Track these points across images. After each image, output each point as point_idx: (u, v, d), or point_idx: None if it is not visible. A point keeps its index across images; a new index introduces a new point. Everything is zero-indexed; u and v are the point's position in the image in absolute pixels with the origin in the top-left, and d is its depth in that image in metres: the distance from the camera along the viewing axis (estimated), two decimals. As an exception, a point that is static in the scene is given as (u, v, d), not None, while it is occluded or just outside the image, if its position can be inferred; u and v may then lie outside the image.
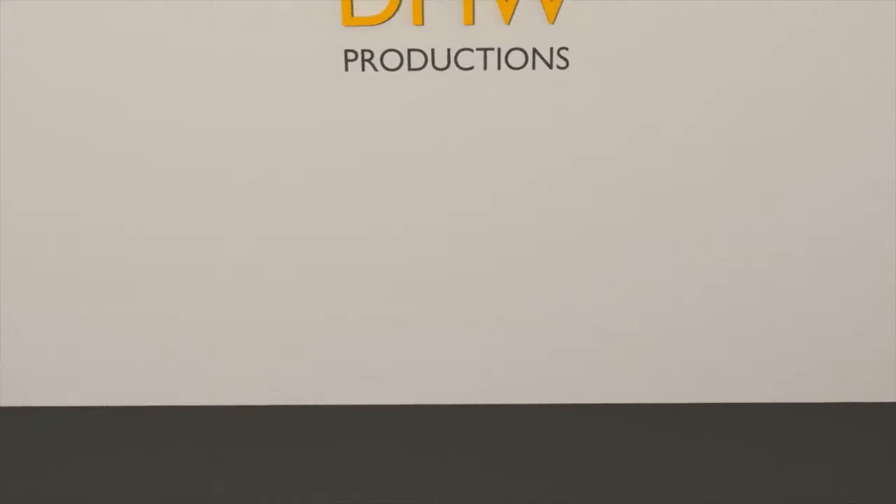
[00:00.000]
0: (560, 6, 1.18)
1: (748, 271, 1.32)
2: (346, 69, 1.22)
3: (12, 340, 1.26)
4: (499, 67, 1.22)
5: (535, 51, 1.21)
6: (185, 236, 1.31)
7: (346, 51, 1.22)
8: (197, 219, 1.31)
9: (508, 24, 1.19)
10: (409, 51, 1.21)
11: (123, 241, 1.31)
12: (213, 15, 1.20)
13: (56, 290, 1.29)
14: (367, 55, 1.22)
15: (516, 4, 1.18)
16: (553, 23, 1.19)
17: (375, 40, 1.20)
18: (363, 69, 1.23)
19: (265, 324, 1.38)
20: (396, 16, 1.20)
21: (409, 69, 1.22)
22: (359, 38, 1.21)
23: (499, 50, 1.21)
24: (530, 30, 1.20)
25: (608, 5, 1.19)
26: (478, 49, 1.21)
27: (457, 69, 1.22)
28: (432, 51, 1.21)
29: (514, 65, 1.23)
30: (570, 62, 1.22)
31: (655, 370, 1.34)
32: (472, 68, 1.22)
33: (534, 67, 1.22)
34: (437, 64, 1.22)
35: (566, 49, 1.21)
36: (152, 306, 1.34)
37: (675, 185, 1.29)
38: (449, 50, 1.20)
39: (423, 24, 1.19)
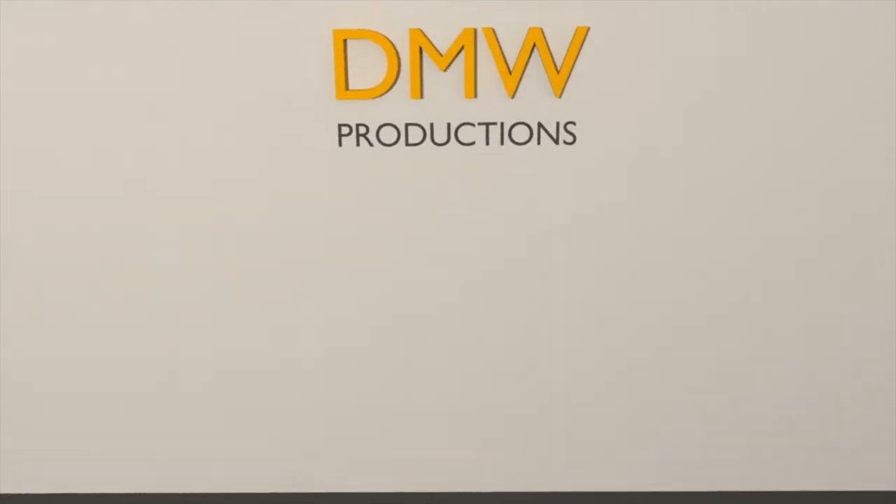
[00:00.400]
0: (567, 80, 1.14)
1: (759, 348, 1.28)
2: (340, 144, 1.17)
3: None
4: (502, 142, 1.17)
5: (540, 125, 1.17)
6: (170, 322, 1.27)
7: (340, 125, 1.17)
8: (186, 300, 1.26)
9: (512, 97, 1.15)
10: (407, 125, 1.17)
11: (97, 328, 1.27)
12: (206, 84, 1.15)
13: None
14: (362, 129, 1.17)
15: (521, 78, 1.14)
16: (560, 97, 1.15)
17: (371, 114, 1.16)
18: (358, 144, 1.18)
19: (257, 411, 1.32)
20: (393, 89, 1.15)
21: (407, 144, 1.17)
22: (353, 112, 1.16)
23: (502, 124, 1.17)
24: (535, 104, 1.15)
25: (617, 78, 1.15)
26: (480, 123, 1.17)
27: (457, 144, 1.17)
28: (431, 125, 1.17)
29: (518, 140, 1.18)
30: (578, 137, 1.18)
31: (653, 458, 1.31)
32: (473, 143, 1.18)
33: (539, 142, 1.17)
34: (437, 139, 1.17)
35: (573, 123, 1.17)
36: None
37: (679, 268, 1.25)
38: (449, 124, 1.16)
39: (421, 97, 1.15)
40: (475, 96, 1.15)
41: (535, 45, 1.12)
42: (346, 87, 1.14)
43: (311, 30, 1.10)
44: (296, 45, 1.12)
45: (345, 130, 1.17)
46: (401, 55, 1.13)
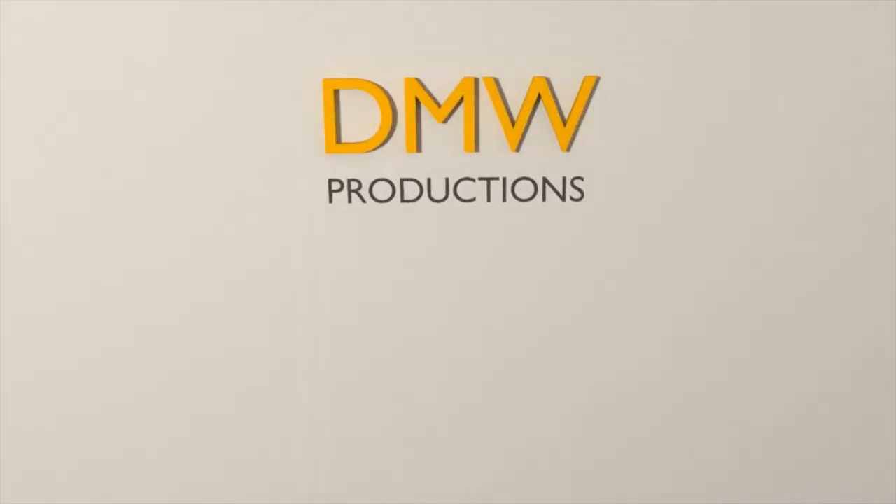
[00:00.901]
0: (575, 132, 1.10)
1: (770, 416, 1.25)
2: (331, 200, 1.12)
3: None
4: (504, 199, 1.13)
5: (545, 181, 1.12)
6: (155, 377, 1.20)
7: (331, 180, 1.11)
8: (173, 354, 1.19)
9: (516, 151, 1.10)
10: (402, 180, 1.12)
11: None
12: (189, 135, 1.10)
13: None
14: (354, 185, 1.12)
15: (525, 130, 1.10)
16: (567, 150, 1.11)
17: (364, 169, 1.11)
18: (349, 200, 1.12)
19: (262, 467, 1.25)
20: (388, 142, 1.10)
21: (402, 200, 1.12)
22: (345, 167, 1.11)
23: (504, 179, 1.12)
24: (540, 158, 1.11)
25: (628, 131, 1.11)
26: (480, 178, 1.12)
27: (456, 200, 1.12)
28: (429, 180, 1.12)
29: (521, 196, 1.13)
30: (586, 193, 1.13)
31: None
32: (473, 200, 1.13)
33: (544, 199, 1.13)
34: (434, 195, 1.12)
35: (581, 179, 1.13)
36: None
37: (691, 333, 1.22)
38: (447, 179, 1.12)
39: (418, 151, 1.10)
40: (476, 150, 1.10)
41: (540, 95, 1.08)
42: (338, 141, 1.09)
43: (300, 79, 1.06)
44: (284, 96, 1.07)
45: (336, 186, 1.12)
46: (396, 106, 1.08)
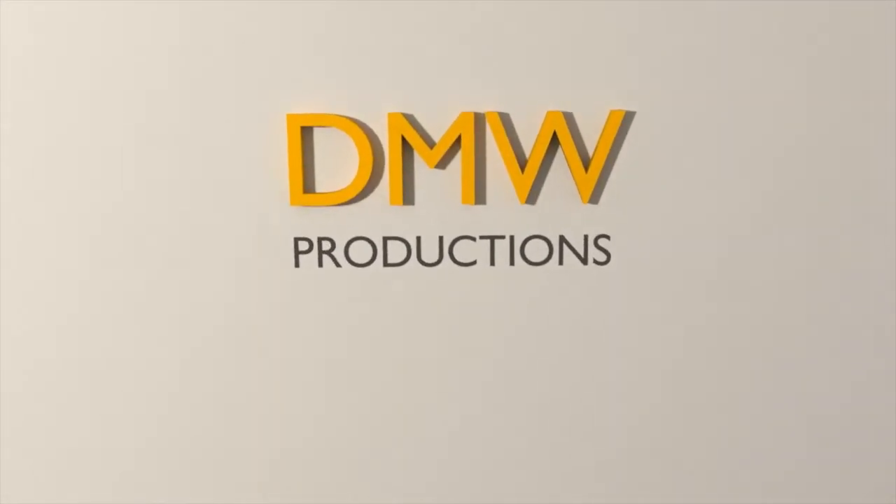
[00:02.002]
0: (599, 180, 1.02)
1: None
2: (297, 264, 1.04)
3: None
4: (512, 262, 1.04)
5: (562, 240, 1.04)
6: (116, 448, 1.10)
7: (297, 239, 1.03)
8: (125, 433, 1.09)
9: (526, 203, 1.03)
10: (386, 239, 1.03)
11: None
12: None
13: None
14: (326, 245, 1.03)
15: (537, 177, 1.02)
16: (589, 202, 1.03)
17: (338, 225, 1.03)
18: (320, 264, 1.04)
19: None
20: (368, 192, 1.02)
21: (386, 264, 1.04)
22: (315, 222, 1.03)
23: (511, 238, 1.04)
24: (556, 211, 1.03)
25: (664, 178, 1.03)
26: (482, 237, 1.04)
27: (452, 265, 1.04)
28: (418, 239, 1.04)
29: (532, 258, 1.05)
30: (613, 256, 1.05)
31: None
32: (473, 263, 1.04)
33: (561, 262, 1.04)
34: (426, 257, 1.04)
35: (607, 237, 1.04)
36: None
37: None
38: (441, 238, 1.04)
39: (405, 203, 1.02)
40: (476, 201, 1.03)
41: (555, 133, 1.01)
42: (306, 190, 1.02)
43: (259, 115, 1.00)
44: (239, 134, 1.00)
45: (303, 246, 1.03)
46: (378, 147, 1.01)
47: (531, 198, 1.02)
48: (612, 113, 1.00)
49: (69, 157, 0.99)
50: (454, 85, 0.99)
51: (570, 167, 1.00)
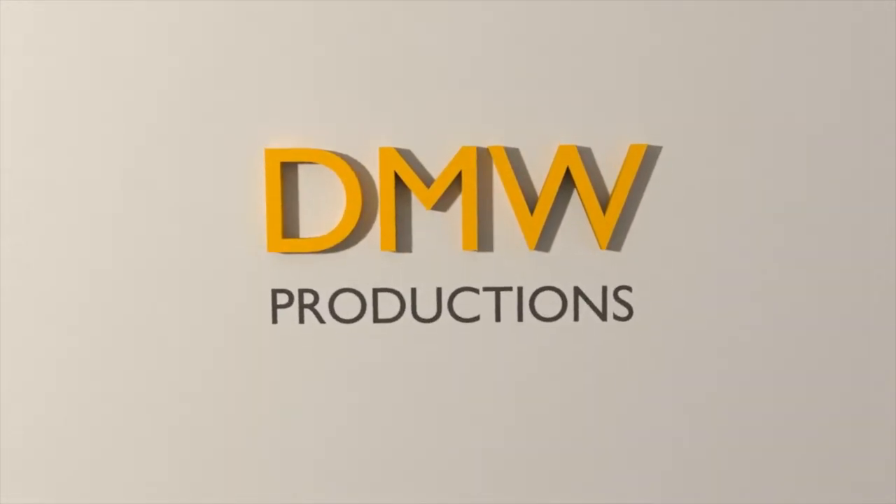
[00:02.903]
0: (619, 223, 0.98)
1: None
2: (275, 320, 1.00)
3: None
4: (520, 317, 1.01)
5: (578, 291, 1.01)
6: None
7: (275, 291, 0.99)
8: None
9: (536, 249, 1.00)
10: (376, 291, 1.00)
11: None
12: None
13: None
14: (309, 298, 1.00)
15: (548, 219, 0.99)
16: (606, 248, 1.00)
17: (322, 274, 1.00)
18: (301, 320, 1.00)
19: None
20: (356, 237, 0.99)
21: (376, 320, 1.00)
22: (295, 271, 0.99)
23: (520, 290, 1.01)
24: (570, 259, 1.01)
25: (692, 220, 1.00)
26: (486, 289, 1.01)
27: (452, 320, 1.01)
28: (413, 291, 1.01)
29: (544, 313, 1.02)
30: (636, 310, 1.01)
31: None
32: (476, 319, 1.01)
33: (577, 317, 1.01)
34: (421, 312, 1.01)
35: (628, 289, 1.01)
36: None
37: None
38: (439, 290, 1.01)
39: (398, 249, 0.99)
40: (479, 247, 1.00)
41: (568, 170, 0.97)
42: (285, 234, 0.99)
43: (235, 149, 0.96)
44: (212, 171, 0.98)
45: (282, 299, 1.00)
46: (368, 186, 0.99)
47: (542, 243, 0.99)
48: (632, 147, 0.96)
49: (34, 201, 0.96)
50: (454, 115, 0.98)
51: (585, 208, 0.97)
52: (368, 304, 0.98)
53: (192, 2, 0.94)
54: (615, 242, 0.98)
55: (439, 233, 0.99)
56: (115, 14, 0.93)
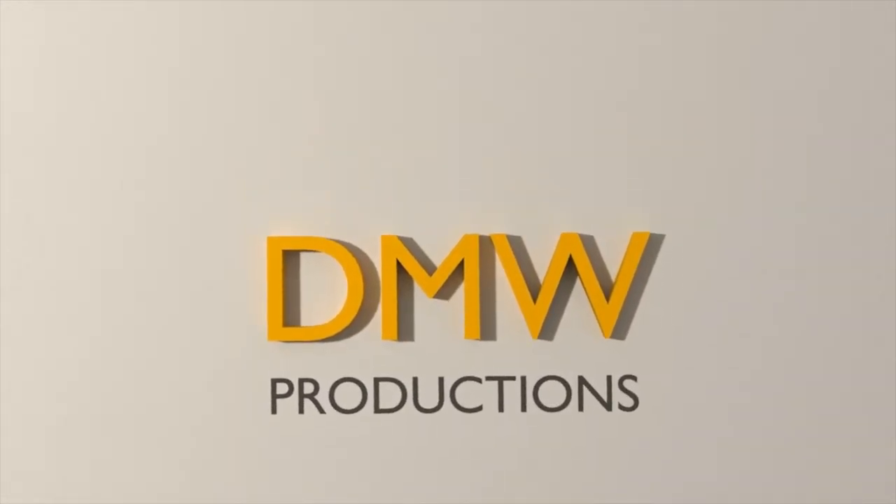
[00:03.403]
0: (621, 311, 0.98)
1: None
2: (274, 410, 0.98)
3: None
4: (523, 407, 1.00)
5: (582, 381, 1.00)
6: None
7: (275, 380, 0.98)
8: None
9: (539, 339, 0.99)
10: (378, 381, 0.99)
11: None
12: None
13: None
14: (309, 387, 0.99)
15: (551, 308, 0.99)
16: (611, 337, 1.00)
17: (323, 363, 0.99)
18: (301, 409, 0.99)
19: None
20: (358, 326, 0.99)
21: (377, 410, 0.99)
22: (296, 360, 0.99)
23: (523, 379, 1.00)
24: (574, 348, 1.00)
25: (695, 306, 1.00)
26: (489, 378, 1.00)
27: (454, 410, 1.00)
28: (415, 381, 1.00)
29: (548, 403, 1.01)
30: (641, 400, 1.00)
31: None
32: (479, 409, 1.00)
33: (581, 407, 1.00)
34: (423, 402, 1.00)
35: (633, 378, 1.00)
36: None
37: None
38: (441, 379, 1.00)
39: (399, 338, 0.99)
40: (482, 336, 0.99)
41: (571, 258, 0.98)
42: (286, 323, 0.98)
43: (237, 237, 0.97)
44: (213, 258, 0.98)
45: (281, 389, 0.99)
46: (370, 274, 0.99)
47: (545, 332, 0.99)
48: (634, 235, 0.97)
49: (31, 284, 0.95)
50: (456, 204, 0.99)
51: (588, 297, 0.97)
52: (369, 394, 0.98)
53: (194, 87, 0.96)
54: (619, 331, 0.97)
55: (441, 321, 0.99)
56: (116, 103, 0.95)
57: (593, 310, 0.96)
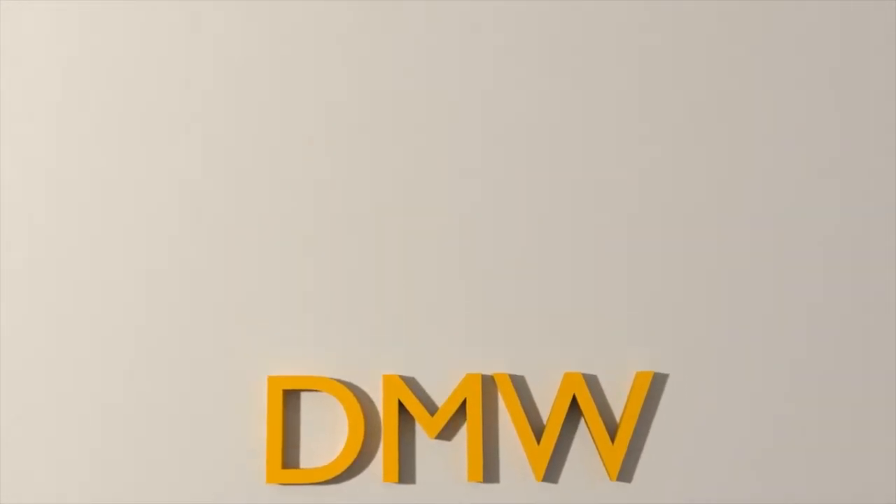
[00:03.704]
0: (627, 452, 0.95)
1: None
2: None
3: None
4: None
5: None
6: None
7: None
8: None
9: (543, 481, 0.96)
10: None
11: None
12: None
13: None
14: None
15: (555, 449, 0.96)
16: (617, 479, 0.96)
17: None
18: None
19: None
20: (358, 468, 0.96)
21: None
22: None
23: None
24: (580, 491, 0.97)
25: (702, 448, 0.97)
26: None
27: None
28: None
29: None
30: None
31: None
32: None
33: None
34: None
35: None
36: None
37: None
38: None
39: (401, 481, 0.96)
40: (485, 479, 0.96)
41: (575, 398, 0.95)
42: (285, 465, 0.95)
43: (237, 377, 0.95)
44: (212, 399, 0.96)
45: None
46: (371, 414, 0.97)
47: (550, 474, 0.96)
48: (638, 375, 0.95)
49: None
50: (458, 342, 0.97)
51: (593, 438, 0.93)
52: (371, 540, 0.94)
53: (194, 224, 0.96)
54: (625, 473, 0.94)
55: (444, 463, 0.96)
56: (115, 242, 0.95)
57: (598, 451, 0.93)
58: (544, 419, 0.94)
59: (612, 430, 0.93)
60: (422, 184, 0.97)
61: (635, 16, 1.00)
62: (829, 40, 1.00)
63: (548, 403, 0.94)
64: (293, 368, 0.94)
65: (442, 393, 0.94)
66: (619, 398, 0.95)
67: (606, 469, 0.93)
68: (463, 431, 0.94)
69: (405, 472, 0.93)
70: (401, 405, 0.93)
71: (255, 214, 0.96)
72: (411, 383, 0.94)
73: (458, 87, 0.99)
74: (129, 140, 0.97)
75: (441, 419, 0.93)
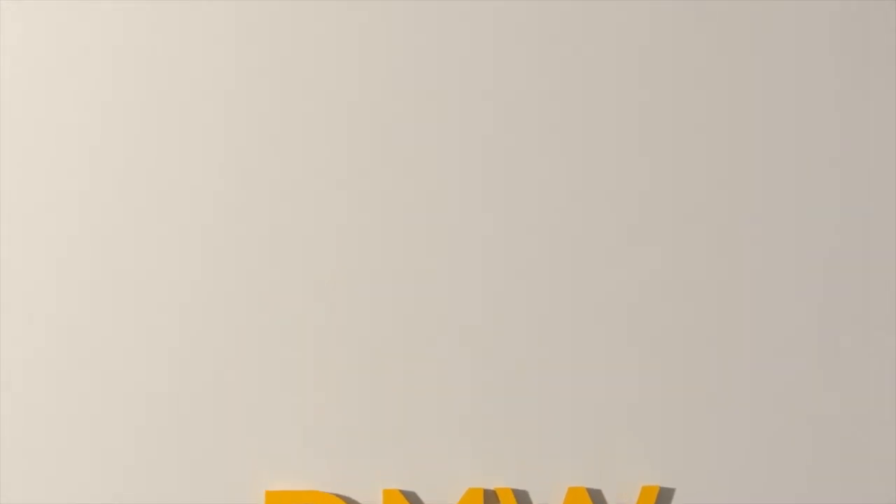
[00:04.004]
0: None
1: None
2: None
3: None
4: None
5: None
6: None
7: None
8: None
9: None
10: None
11: None
12: None
13: None
14: None
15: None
16: None
17: None
18: None
19: None
20: None
21: None
22: None
23: None
24: None
25: None
26: None
27: None
28: None
29: None
30: None
31: None
32: None
33: None
34: None
35: None
36: None
37: None
38: None
39: None
40: None
41: None
42: None
43: (234, 491, 0.95)
44: None
45: None
46: None
47: None
48: (644, 489, 0.95)
49: None
50: (460, 456, 0.97)
51: None
52: None
53: (190, 336, 0.95)
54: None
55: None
56: (113, 345, 0.94)
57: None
58: (548, 536, 0.93)
59: (617, 548, 0.93)
60: (421, 296, 0.97)
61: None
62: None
63: (550, 520, 0.94)
64: (291, 482, 0.93)
65: (443, 508, 0.94)
66: (624, 515, 0.94)
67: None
68: (465, 547, 0.93)
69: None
70: (401, 520, 0.92)
71: (254, 324, 0.96)
72: (412, 497, 0.93)
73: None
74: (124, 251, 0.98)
75: (443, 535, 0.92)
